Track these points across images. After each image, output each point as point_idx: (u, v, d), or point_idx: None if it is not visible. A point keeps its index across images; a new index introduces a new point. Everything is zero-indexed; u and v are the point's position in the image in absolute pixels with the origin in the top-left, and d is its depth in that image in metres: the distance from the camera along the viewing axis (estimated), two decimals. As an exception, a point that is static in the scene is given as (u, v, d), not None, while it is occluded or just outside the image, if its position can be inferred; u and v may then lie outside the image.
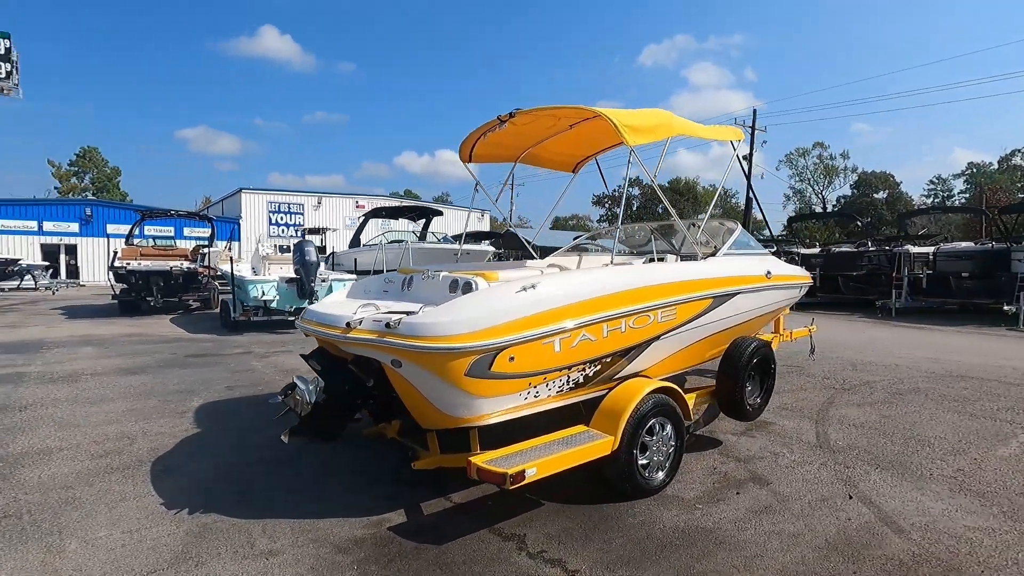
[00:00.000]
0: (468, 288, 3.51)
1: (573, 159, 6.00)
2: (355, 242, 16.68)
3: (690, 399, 4.11)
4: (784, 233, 37.93)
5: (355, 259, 15.26)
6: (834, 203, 60.71)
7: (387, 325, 3.01)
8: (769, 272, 4.92)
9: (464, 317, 2.99)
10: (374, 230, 21.07)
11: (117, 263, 14.81)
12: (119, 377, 6.91)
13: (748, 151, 34.01)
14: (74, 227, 32.17)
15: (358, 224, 17.65)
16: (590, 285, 3.47)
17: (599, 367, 3.53)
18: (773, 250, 6.51)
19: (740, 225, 5.22)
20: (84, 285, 29.03)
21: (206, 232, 34.03)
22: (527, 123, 4.59)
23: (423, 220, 17.35)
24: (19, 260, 23.23)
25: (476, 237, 25.78)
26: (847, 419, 5.20)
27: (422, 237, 16.79)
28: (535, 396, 3.26)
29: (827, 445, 4.49)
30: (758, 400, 4.52)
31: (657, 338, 3.83)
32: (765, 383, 4.61)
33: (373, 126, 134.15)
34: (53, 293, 22.93)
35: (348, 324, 3.17)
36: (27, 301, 19.00)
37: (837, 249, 18.32)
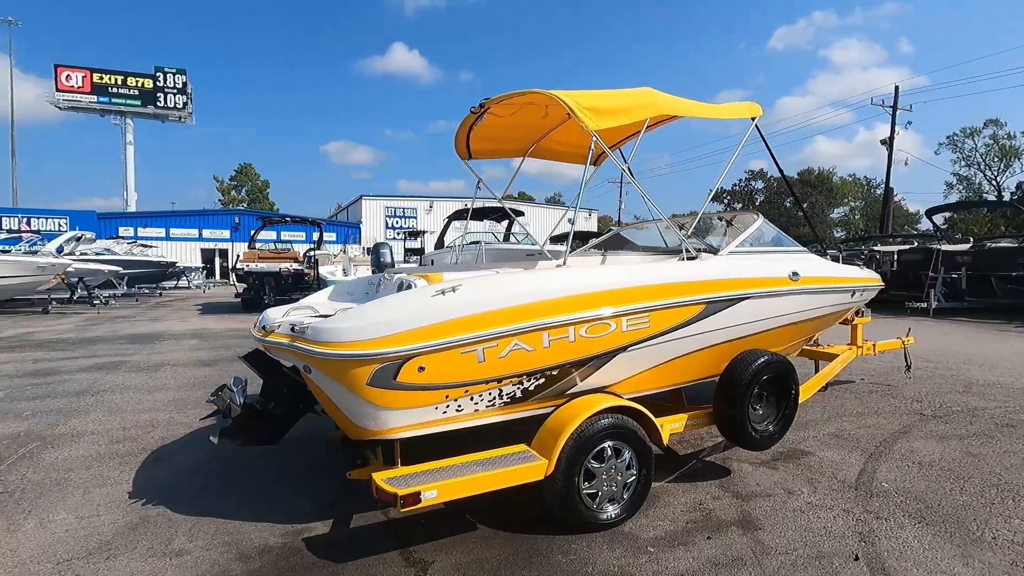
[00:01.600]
0: (406, 289, 3.31)
1: (585, 151, 5.52)
2: (439, 244, 17.11)
3: (672, 422, 3.56)
4: (944, 226, 31.96)
5: (431, 260, 15.65)
6: (1013, 191, 51.25)
7: (292, 329, 2.91)
8: (796, 273, 4.12)
9: (368, 322, 2.80)
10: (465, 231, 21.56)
11: (239, 265, 16.72)
12: (191, 368, 7.63)
13: (888, 135, 29.84)
14: (226, 234, 36.93)
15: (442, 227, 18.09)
16: (525, 288, 3.10)
17: (542, 380, 3.15)
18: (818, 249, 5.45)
19: (762, 218, 4.44)
20: (232, 285, 33.14)
21: (333, 236, 37.03)
22: (513, 113, 4.28)
23: (506, 221, 17.32)
24: (176, 263, 27.00)
25: (583, 237, 25.35)
26: (914, 455, 4.21)
27: (505, 238, 16.79)
28: (457, 410, 2.97)
29: (866, 486, 3.65)
30: (771, 427, 3.78)
31: (623, 349, 3.33)
32: (783, 406, 3.85)
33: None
34: (204, 292, 26.42)
35: (264, 327, 3.13)
36: (180, 298, 22.05)
37: (992, 245, 15.33)
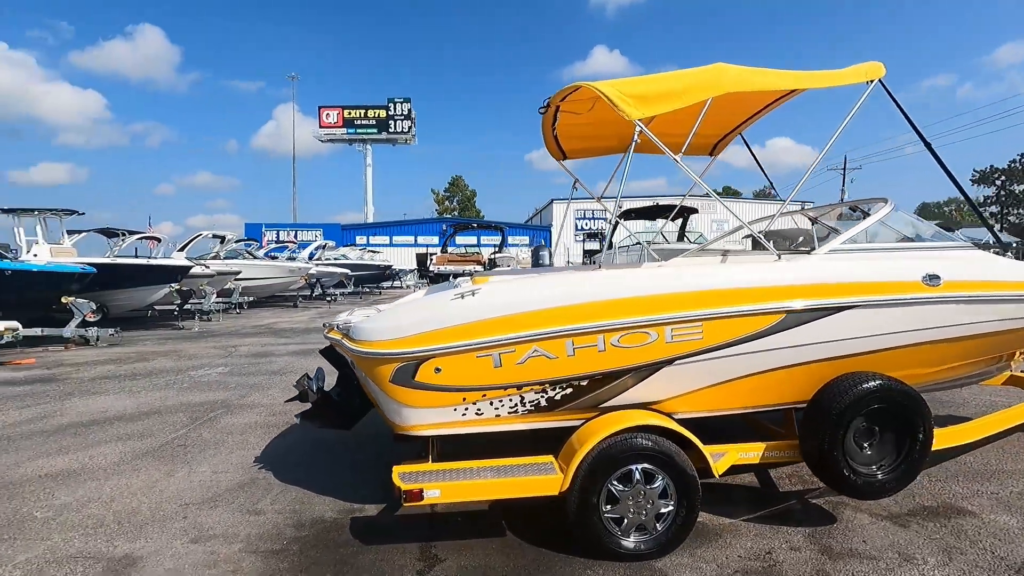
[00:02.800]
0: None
1: (705, 138, 4.97)
2: (609, 244, 16.85)
3: (742, 450, 3.06)
4: None
5: (598, 262, 15.43)
6: None
7: (342, 327, 3.22)
8: (934, 277, 3.14)
9: (393, 323, 2.98)
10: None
11: (431, 267, 18.75)
12: (292, 358, 8.75)
13: None
14: (435, 239, 41.55)
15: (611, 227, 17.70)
16: (547, 292, 2.96)
17: (569, 390, 2.98)
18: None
19: (889, 206, 3.46)
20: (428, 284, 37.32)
21: (526, 240, 39.09)
22: (590, 109, 4.09)
23: (680, 219, 16.30)
24: (391, 266, 31.19)
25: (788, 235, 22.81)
26: None
27: (680, 237, 15.82)
28: (477, 414, 2.98)
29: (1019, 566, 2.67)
30: (882, 472, 2.95)
31: (668, 362, 2.97)
32: (905, 448, 2.98)
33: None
34: (414, 290, 30.09)
35: (324, 324, 3.51)
36: (393, 296, 25.50)
37: None
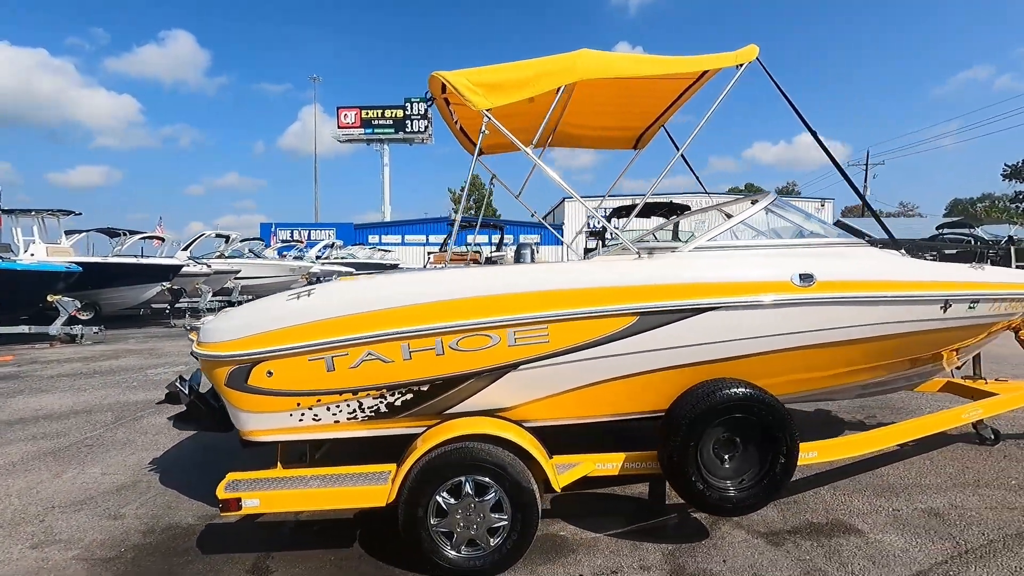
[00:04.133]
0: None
1: (627, 131, 4.76)
2: (603, 243, 16.57)
3: (599, 461, 2.88)
4: None
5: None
6: None
7: (197, 327, 3.13)
8: (807, 277, 2.88)
9: (229, 325, 2.87)
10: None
11: (427, 266, 18.72)
12: None
13: None
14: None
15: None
16: (384, 293, 2.81)
17: (410, 396, 2.82)
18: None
19: (764, 201, 3.20)
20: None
21: (537, 238, 38.98)
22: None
23: (674, 217, 15.95)
24: (398, 264, 31.32)
25: None
26: (1045, 566, 2.64)
27: (674, 236, 15.46)
28: (314, 419, 2.84)
29: (891, 599, 2.42)
30: (736, 486, 2.72)
31: (513, 367, 2.79)
32: (768, 462, 2.74)
33: (719, 121, 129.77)
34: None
35: (185, 327, 3.42)
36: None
37: None
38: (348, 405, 2.83)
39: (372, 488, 2.67)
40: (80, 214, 14.28)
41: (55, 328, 10.76)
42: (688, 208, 16.57)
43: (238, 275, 17.87)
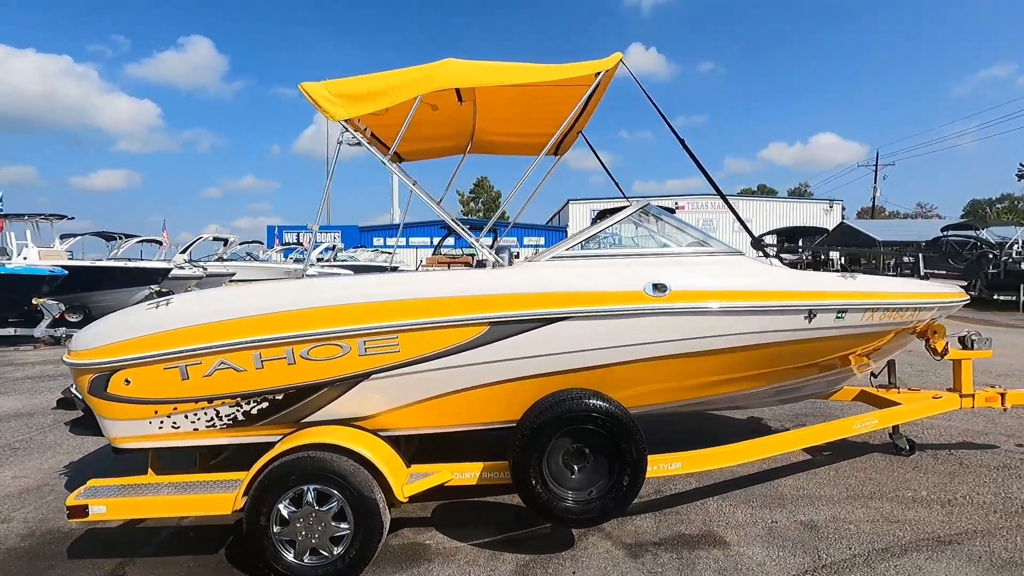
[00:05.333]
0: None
1: (544, 138, 4.73)
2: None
3: (457, 470, 2.88)
4: None
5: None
6: None
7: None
8: (660, 287, 2.85)
9: (91, 334, 2.92)
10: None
11: (421, 269, 18.78)
12: None
13: None
14: (450, 241, 41.76)
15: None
16: (239, 303, 2.84)
17: (265, 404, 2.85)
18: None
19: (628, 211, 3.17)
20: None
21: (541, 240, 39.02)
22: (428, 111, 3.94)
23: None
24: (397, 267, 31.52)
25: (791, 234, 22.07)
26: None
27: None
28: (174, 427, 2.88)
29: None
30: (580, 496, 2.70)
31: (365, 376, 2.81)
32: (615, 471, 2.72)
33: (734, 121, 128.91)
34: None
35: (64, 336, 3.48)
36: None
37: None
38: (205, 413, 2.86)
39: (219, 496, 2.71)
40: (73, 218, 14.63)
41: (39, 330, 10.99)
42: (673, 211, 16.48)
43: (233, 278, 18.11)
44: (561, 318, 2.80)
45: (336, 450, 2.68)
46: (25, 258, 13.50)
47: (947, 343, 3.86)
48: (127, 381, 2.81)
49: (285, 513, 2.63)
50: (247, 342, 2.76)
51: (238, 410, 2.86)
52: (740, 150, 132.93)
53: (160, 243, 19.07)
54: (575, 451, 2.76)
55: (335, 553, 2.65)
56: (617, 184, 4.84)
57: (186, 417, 2.87)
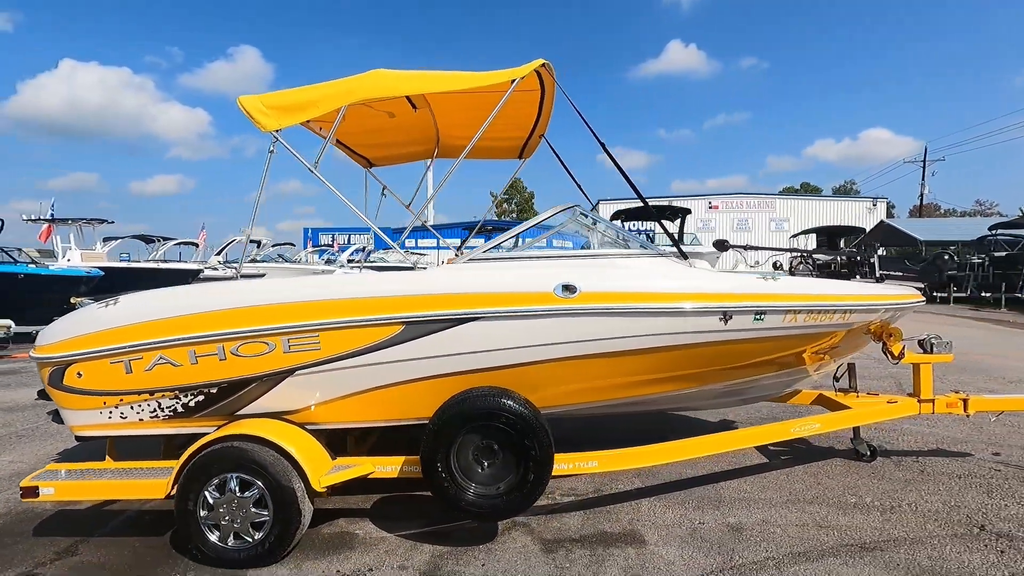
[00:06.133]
0: None
1: (506, 142, 4.84)
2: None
3: (381, 464, 3.03)
4: None
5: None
6: None
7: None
8: (570, 288, 2.89)
9: (51, 331, 3.18)
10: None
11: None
12: None
13: None
14: (481, 240, 42.21)
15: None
16: (177, 302, 3.04)
17: (201, 397, 3.04)
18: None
19: (547, 214, 3.20)
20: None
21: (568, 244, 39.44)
22: (399, 116, 4.12)
23: (679, 220, 15.61)
24: (426, 267, 32.01)
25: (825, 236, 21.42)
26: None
27: (679, 238, 15.17)
28: (121, 417, 3.11)
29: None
30: (489, 492, 2.77)
31: (290, 372, 2.97)
32: (521, 467, 2.78)
33: (779, 118, 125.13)
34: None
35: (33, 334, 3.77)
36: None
37: None
38: (148, 405, 3.08)
39: (155, 481, 2.91)
40: (113, 222, 15.58)
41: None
42: (688, 211, 16.23)
43: (263, 278, 18.82)
44: (472, 318, 2.90)
45: (258, 441, 2.85)
46: (68, 260, 14.47)
47: (904, 347, 3.76)
48: (79, 374, 3.05)
49: (210, 499, 2.82)
50: (183, 339, 2.97)
51: (177, 402, 3.07)
52: (784, 147, 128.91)
53: (196, 245, 20.01)
54: (484, 447, 2.85)
55: (256, 538, 2.82)
56: (580, 188, 4.88)
57: (131, 408, 3.09)
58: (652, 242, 14.23)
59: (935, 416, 4.32)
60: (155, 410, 3.10)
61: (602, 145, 3.43)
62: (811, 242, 25.47)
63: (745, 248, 13.42)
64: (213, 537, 2.82)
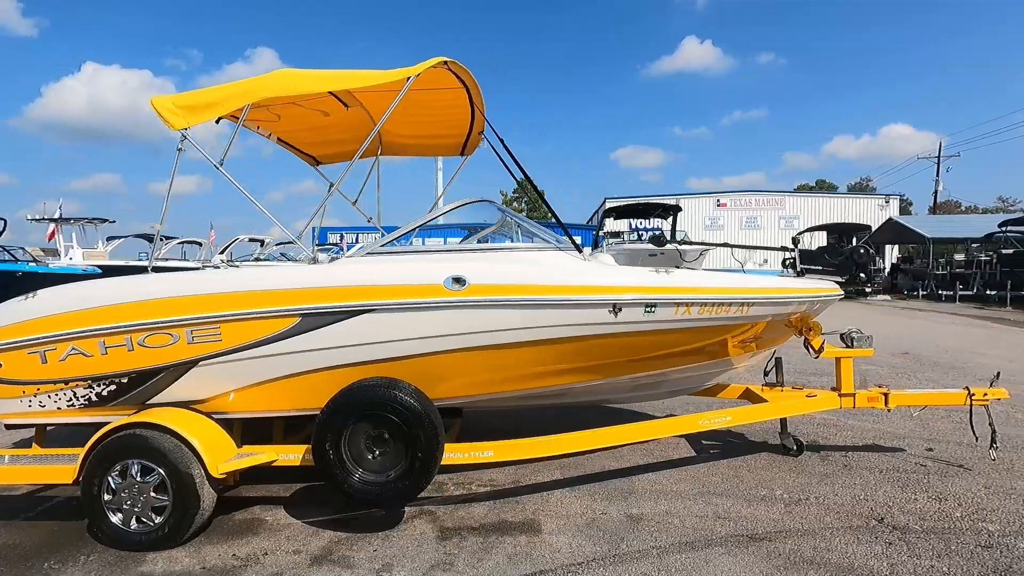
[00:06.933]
0: None
1: (446, 139, 4.90)
2: (594, 244, 16.38)
3: (284, 452, 3.13)
4: None
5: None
6: None
7: None
8: (459, 280, 2.94)
9: (-23, 321, 3.32)
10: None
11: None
12: None
13: None
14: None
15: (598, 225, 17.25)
16: (85, 295, 3.15)
17: (113, 387, 3.16)
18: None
19: (445, 207, 3.25)
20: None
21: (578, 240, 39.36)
22: (345, 114, 4.22)
23: (671, 217, 15.54)
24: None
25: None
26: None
27: (672, 236, 15.11)
28: (40, 405, 3.23)
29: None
30: (373, 479, 2.85)
31: (195, 363, 3.06)
32: (410, 455, 2.85)
33: (796, 115, 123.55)
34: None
35: None
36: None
37: None
38: (64, 394, 3.20)
39: (64, 467, 3.03)
40: (114, 222, 15.95)
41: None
42: (678, 208, 16.15)
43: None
44: (364, 311, 2.97)
45: (158, 429, 2.95)
46: (71, 259, 14.86)
47: (824, 341, 3.75)
48: (0, 364, 3.19)
49: (113, 484, 2.93)
50: (93, 330, 3.08)
51: (91, 391, 3.19)
52: (802, 144, 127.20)
53: (200, 244, 20.36)
54: (376, 436, 2.92)
55: (156, 522, 2.92)
56: (513, 175, 4.90)
57: (49, 397, 3.22)
58: (640, 239, 14.19)
59: (883, 412, 4.33)
60: (71, 399, 3.22)
61: (500, 139, 3.47)
62: (815, 240, 25.17)
63: (685, 243, 13.29)
64: (115, 520, 2.93)
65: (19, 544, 3.04)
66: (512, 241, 3.82)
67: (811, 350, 3.76)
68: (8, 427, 3.46)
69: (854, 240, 23.77)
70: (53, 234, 15.71)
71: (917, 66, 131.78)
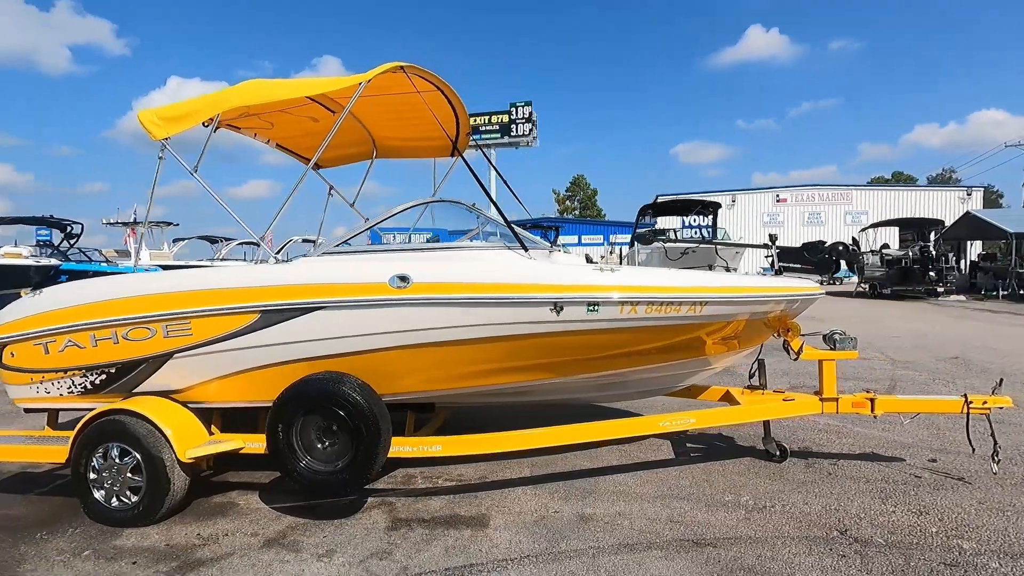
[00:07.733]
0: None
1: (437, 141, 4.98)
2: (631, 241, 16.04)
3: (251, 440, 3.32)
4: None
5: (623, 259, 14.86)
6: None
7: None
8: (403, 279, 3.00)
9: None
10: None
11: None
12: None
13: None
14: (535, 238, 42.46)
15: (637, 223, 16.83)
16: (81, 293, 3.46)
17: (104, 376, 3.45)
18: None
19: (398, 208, 3.28)
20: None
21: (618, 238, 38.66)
22: (291, 120, 4.45)
23: (710, 215, 15.03)
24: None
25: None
26: None
27: (712, 234, 14.65)
28: (46, 392, 3.58)
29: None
30: (321, 468, 2.99)
31: (170, 355, 3.30)
32: (354, 447, 2.94)
33: (873, 103, 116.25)
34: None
35: None
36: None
37: None
38: (64, 382, 3.54)
39: (57, 448, 3.35)
40: (178, 225, 17.13)
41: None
42: (718, 205, 15.62)
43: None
44: (316, 308, 3.11)
45: (135, 415, 3.21)
46: (140, 260, 16.12)
47: (803, 342, 3.57)
48: (12, 354, 3.56)
49: (97, 465, 3.21)
50: (85, 324, 3.39)
51: (86, 380, 3.50)
52: (880, 134, 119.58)
53: (258, 245, 21.50)
54: (327, 428, 3.05)
55: (132, 501, 3.18)
56: (513, 192, 4.96)
57: (52, 384, 3.56)
58: (669, 237, 13.73)
59: (895, 420, 4.10)
60: (70, 386, 3.55)
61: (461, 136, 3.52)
62: (881, 236, 23.62)
63: (670, 242, 12.71)
64: (98, 496, 3.21)
65: (24, 516, 3.39)
66: (484, 240, 3.87)
67: (790, 351, 3.59)
68: (26, 411, 3.84)
69: (931, 236, 22.19)
70: (130, 237, 17.11)
71: (1015, 42, 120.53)
